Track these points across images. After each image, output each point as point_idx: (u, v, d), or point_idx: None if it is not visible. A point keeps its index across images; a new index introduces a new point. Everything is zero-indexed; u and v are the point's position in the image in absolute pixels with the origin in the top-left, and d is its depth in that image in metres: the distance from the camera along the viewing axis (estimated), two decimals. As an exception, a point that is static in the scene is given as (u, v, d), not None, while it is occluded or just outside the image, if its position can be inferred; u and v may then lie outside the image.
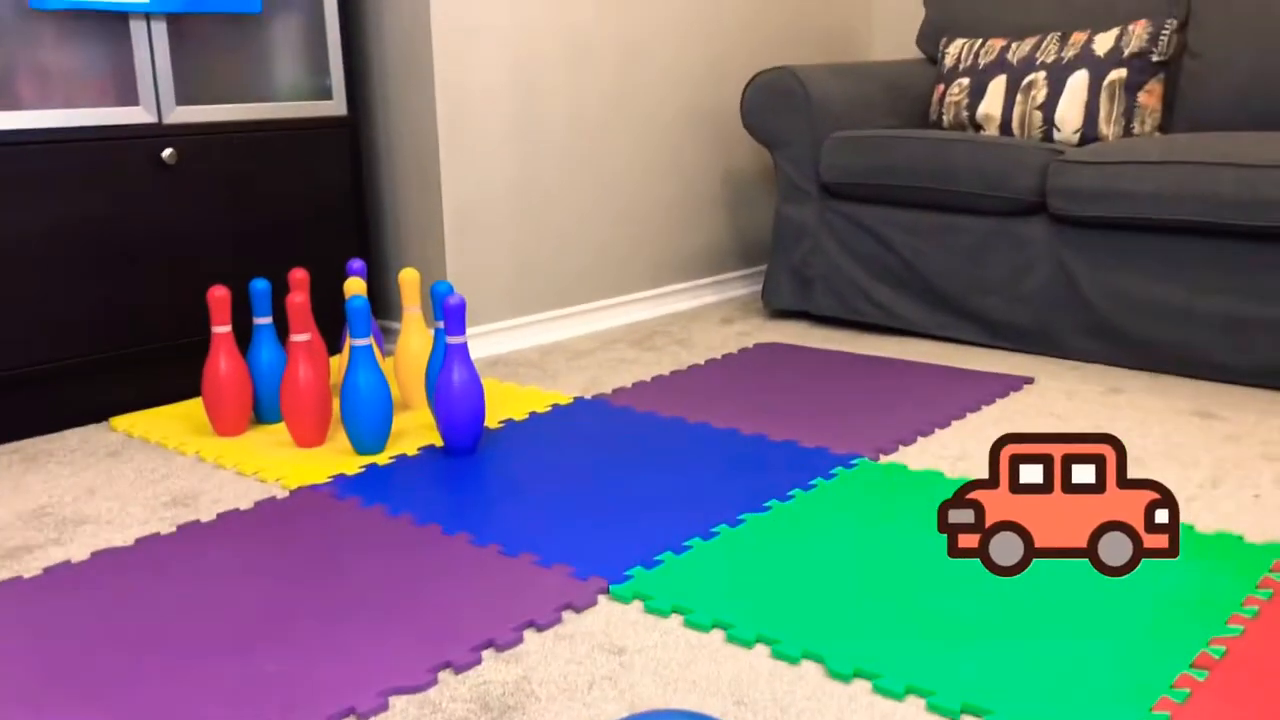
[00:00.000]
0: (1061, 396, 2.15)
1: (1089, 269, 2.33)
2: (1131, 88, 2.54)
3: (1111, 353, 2.33)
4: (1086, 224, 2.32)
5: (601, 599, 1.36)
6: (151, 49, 2.08)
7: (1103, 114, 2.54)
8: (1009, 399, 2.14)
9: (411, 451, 1.89)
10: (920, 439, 1.92)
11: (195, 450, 1.93)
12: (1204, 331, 2.19)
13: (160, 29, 2.09)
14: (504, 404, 2.16)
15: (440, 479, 1.75)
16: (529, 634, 1.27)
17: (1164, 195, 2.17)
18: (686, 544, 1.49)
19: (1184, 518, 1.55)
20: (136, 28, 2.06)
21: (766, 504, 1.62)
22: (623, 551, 1.47)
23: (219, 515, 1.63)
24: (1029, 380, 2.26)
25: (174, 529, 1.59)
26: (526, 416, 2.08)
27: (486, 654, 1.23)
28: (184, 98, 2.14)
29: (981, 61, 2.75)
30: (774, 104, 2.77)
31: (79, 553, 1.51)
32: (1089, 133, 2.54)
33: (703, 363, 2.46)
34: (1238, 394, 2.14)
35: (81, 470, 1.85)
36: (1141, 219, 2.22)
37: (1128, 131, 2.55)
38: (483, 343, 2.59)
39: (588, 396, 2.21)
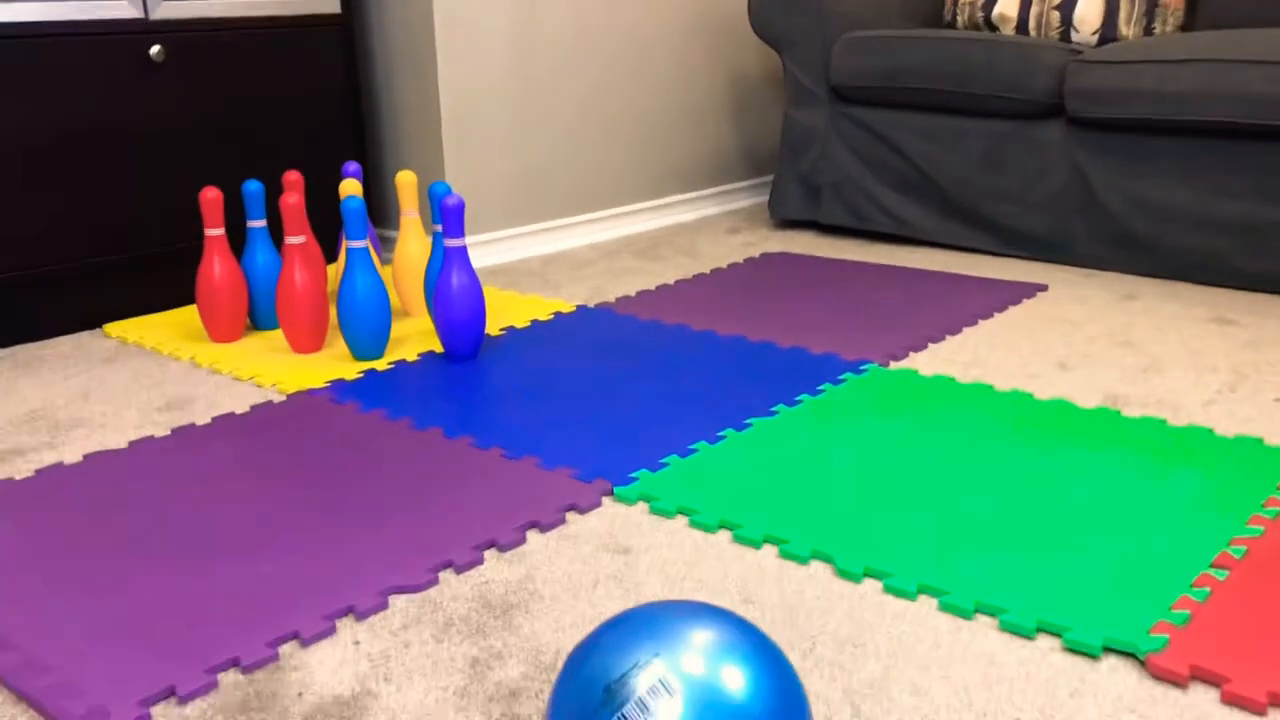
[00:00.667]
0: (1075, 303, 2.10)
1: (1106, 173, 2.26)
2: (1154, -15, 2.45)
3: (1127, 260, 2.28)
4: (1105, 126, 2.25)
5: (605, 500, 1.32)
6: (136, -60, 2.00)
7: (1123, 13, 2.45)
8: (1021, 306, 2.09)
9: (411, 357, 1.85)
10: (931, 345, 1.88)
11: (190, 356, 1.89)
12: (1222, 237, 2.13)
13: (144, -81, 2.00)
14: (505, 312, 2.11)
15: (441, 384, 1.71)
16: (532, 534, 1.24)
17: (1189, 95, 2.10)
18: (692, 447, 1.45)
19: (1203, 421, 1.52)
20: (119, -83, 1.97)
21: (774, 409, 1.59)
22: (627, 455, 1.43)
23: (214, 419, 1.60)
24: (1042, 287, 2.21)
25: (168, 432, 1.55)
26: (529, 324, 2.03)
27: (489, 554, 1.20)
28: (171, -8, 2.06)
29: (998, -41, 2.65)
30: (783, 3, 2.68)
31: (71, 455, 1.48)
32: (1109, 33, 2.46)
33: (708, 272, 2.40)
34: (1257, 300, 2.09)
35: (75, 375, 1.81)
36: (1163, 120, 2.15)
37: (1148, 32, 2.46)
38: (482, 252, 2.53)
39: (591, 305, 2.16)
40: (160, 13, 2.05)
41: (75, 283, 2.02)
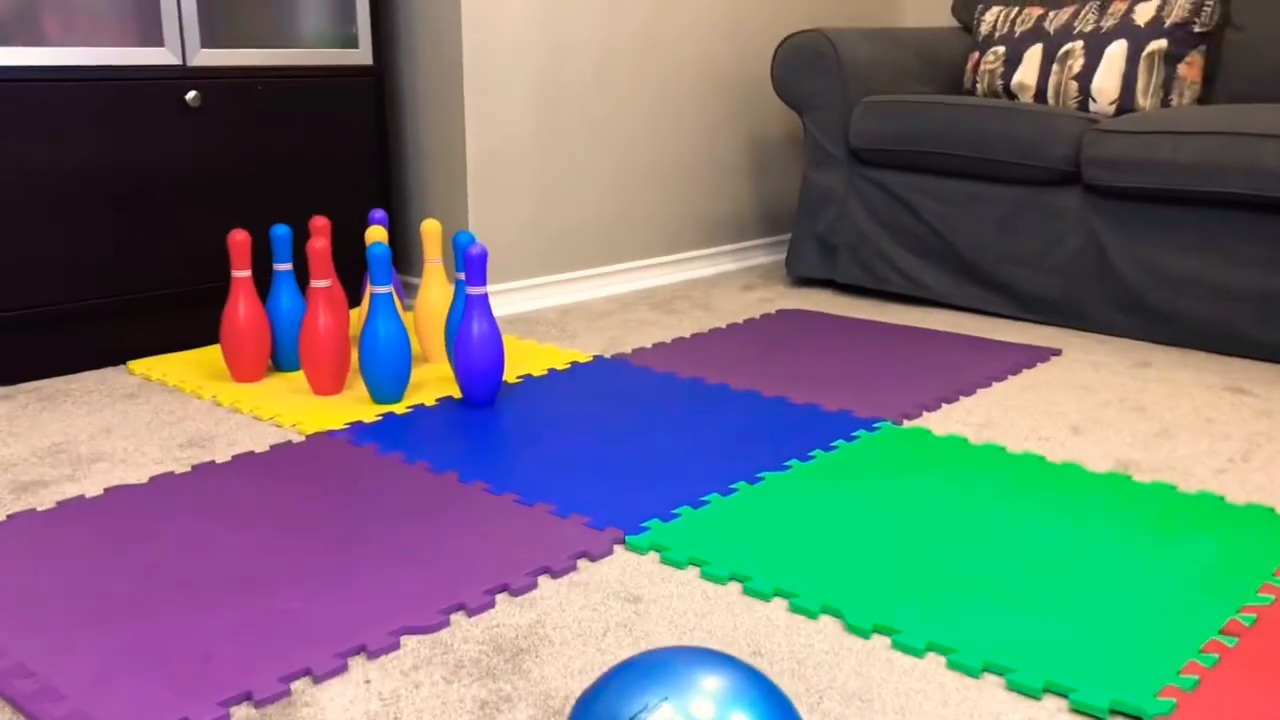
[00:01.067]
0: (1089, 369, 2.11)
1: (1121, 241, 2.29)
2: (1171, 59, 2.48)
3: (1141, 327, 2.29)
4: (1121, 195, 2.27)
5: (617, 549, 1.34)
6: (177, -10, 2.06)
7: (1140, 85, 2.48)
8: (1035, 370, 2.11)
9: (429, 402, 1.88)
10: (945, 405, 1.89)
11: (212, 394, 1.91)
12: (1238, 307, 2.15)
13: (186, -31, 2.06)
14: (523, 360, 2.14)
15: (457, 429, 1.73)
16: (543, 580, 1.25)
17: (1202, 166, 2.13)
18: (704, 499, 1.47)
19: (1215, 489, 1.52)
20: (163, -33, 2.04)
21: (787, 463, 1.60)
22: (640, 505, 1.45)
23: (234, 457, 1.62)
24: (1056, 352, 2.22)
25: (189, 469, 1.57)
26: (545, 373, 2.06)
27: (500, 598, 1.21)
28: (209, 40, 2.11)
29: (1018, 30, 2.70)
30: (805, 66, 2.73)
31: (93, 488, 1.50)
32: (1126, 103, 2.49)
33: (724, 327, 2.43)
34: (1272, 371, 2.10)
35: (98, 410, 1.84)
36: (1178, 190, 2.17)
37: (1165, 103, 2.50)
38: (501, 300, 2.56)
39: (607, 355, 2.18)
40: (198, 60, 2.10)
41: (102, 319, 2.05)
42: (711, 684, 0.73)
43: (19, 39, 1.91)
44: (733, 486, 1.51)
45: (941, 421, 1.80)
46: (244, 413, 1.84)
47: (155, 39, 2.05)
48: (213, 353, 2.17)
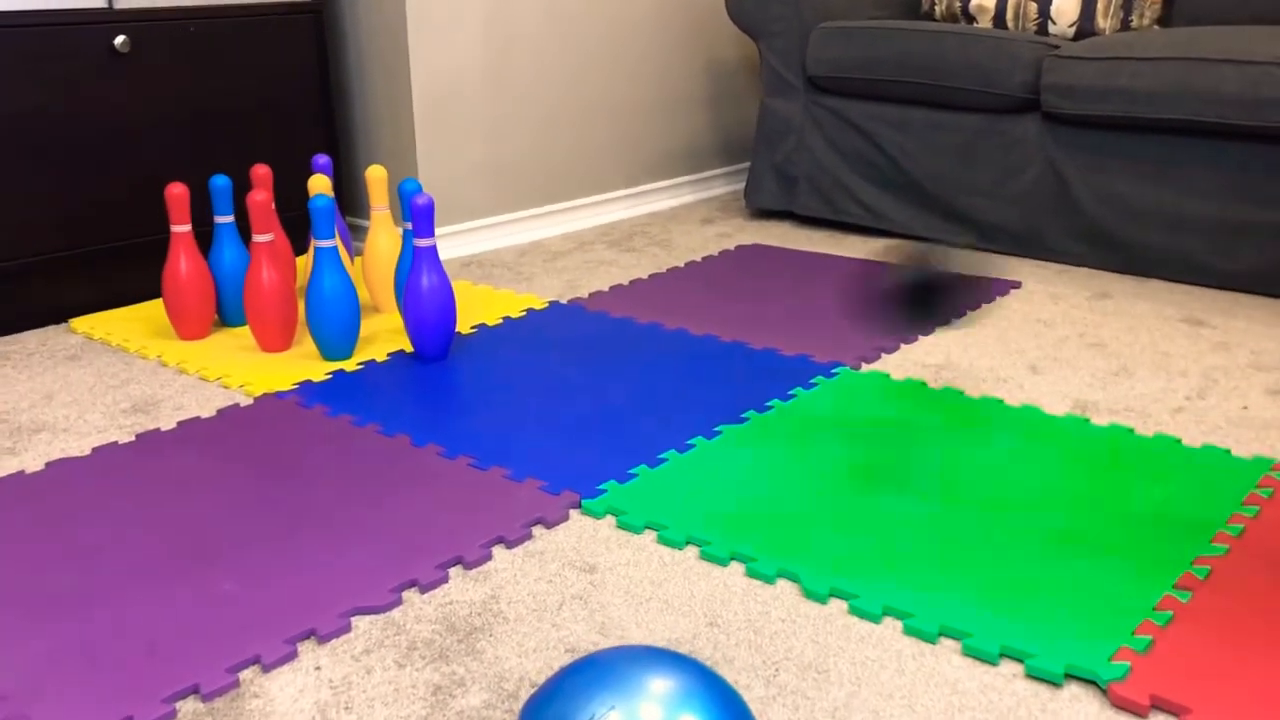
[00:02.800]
0: (1048, 301, 2.10)
1: (1080, 170, 2.26)
2: (1131, -22, 2.43)
3: (1100, 256, 2.28)
4: (1079, 123, 2.24)
5: (573, 514, 1.32)
6: (98, -72, 1.96)
7: (1100, 6, 2.44)
8: (995, 303, 2.09)
9: (380, 357, 1.84)
10: (904, 345, 1.88)
11: (157, 354, 1.86)
12: (1195, 236, 2.14)
13: (107, -94, 1.96)
14: (477, 307, 2.10)
15: (409, 387, 1.70)
16: (498, 550, 1.24)
17: (1163, 93, 2.10)
18: (661, 456, 1.45)
19: (1171, 430, 1.52)
20: (81, -96, 1.93)
21: (744, 415, 1.58)
22: (596, 464, 1.43)
23: (179, 424, 1.58)
24: (1015, 284, 2.21)
25: (133, 437, 1.53)
26: (500, 321, 2.02)
27: (454, 571, 1.19)
28: (135, -19, 2.02)
29: (976, -51, 2.63)
30: (759, -7, 2.66)
31: (34, 463, 1.46)
32: (1085, 26, 2.45)
33: (682, 265, 2.39)
34: (1227, 300, 2.10)
35: (39, 374, 1.79)
36: (1137, 117, 2.14)
37: (1125, 25, 2.45)
38: (456, 242, 2.51)
39: (563, 300, 2.15)
40: (126, 2, 2.01)
41: (41, 276, 1.99)
42: (659, 687, 0.72)
43: (-69, -14, 1.81)
44: (690, 442, 1.49)
45: (900, 364, 1.79)
46: (190, 373, 1.79)
47: (78, -19, 1.95)
48: (157, 308, 2.11)
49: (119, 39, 2.00)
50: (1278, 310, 2.03)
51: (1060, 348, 1.85)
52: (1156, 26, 2.49)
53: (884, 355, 1.83)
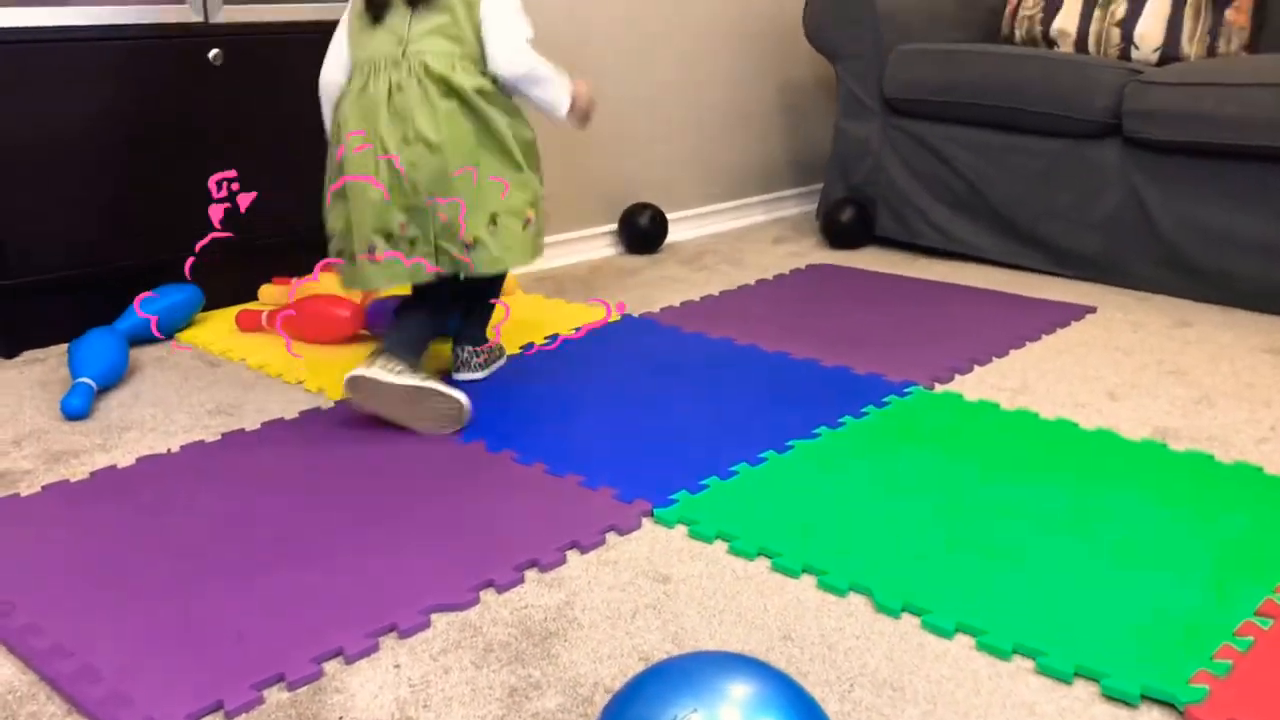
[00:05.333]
0: (1127, 328, 2.07)
1: (1162, 196, 2.23)
2: (1219, 3, 2.40)
3: (1182, 284, 2.25)
4: (1163, 148, 2.21)
5: (646, 522, 1.33)
6: (199, -56, 2.03)
7: (1186, 31, 2.41)
8: (1070, 329, 2.07)
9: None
10: (977, 368, 1.86)
11: (241, 357, 1.92)
12: (1281, 265, 2.10)
13: (208, -76, 2.03)
14: (552, 320, 2.13)
15: (486, 394, 1.73)
16: (572, 555, 1.25)
17: (1250, 120, 2.06)
18: (733, 469, 1.46)
19: (1254, 459, 1.49)
20: (184, -78, 2.00)
21: (816, 430, 1.59)
22: (668, 474, 1.44)
23: (263, 424, 1.62)
24: (1092, 310, 2.18)
25: (219, 437, 1.58)
26: (574, 332, 2.04)
27: (530, 574, 1.21)
28: (231, -4, 2.08)
29: (1058, -27, 2.62)
30: (838, 13, 2.67)
31: (124, 458, 1.51)
32: (1170, 51, 2.42)
33: (753, 283, 2.40)
34: (1313, 331, 2.06)
35: (128, 375, 1.84)
36: (1223, 144, 2.11)
37: (1212, 51, 2.42)
38: (531, 256, 2.54)
39: (636, 314, 2.17)
40: (221, 16, 2.07)
41: (132, 279, 2.05)
42: (740, 692, 0.73)
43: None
44: (761, 456, 1.50)
45: (974, 385, 1.78)
46: (272, 376, 1.84)
47: (177, -5, 2.02)
48: (248, 307, 2.16)
49: (212, 52, 2.06)
50: (1366, 342, 1.99)
51: (1139, 375, 1.83)
52: (1244, 53, 2.45)
53: (958, 376, 1.82)
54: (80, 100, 1.93)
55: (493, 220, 1.61)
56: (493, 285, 1.81)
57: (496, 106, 1.63)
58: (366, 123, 1.58)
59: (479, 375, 1.80)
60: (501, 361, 1.86)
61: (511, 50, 1.65)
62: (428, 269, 1.61)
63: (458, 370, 1.79)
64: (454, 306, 1.77)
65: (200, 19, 2.05)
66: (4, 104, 1.85)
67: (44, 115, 1.90)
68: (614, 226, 2.72)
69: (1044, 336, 2.03)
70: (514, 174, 1.65)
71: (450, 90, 1.58)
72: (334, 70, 1.69)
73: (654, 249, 2.73)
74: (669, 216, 2.82)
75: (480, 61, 1.63)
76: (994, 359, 1.91)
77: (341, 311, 1.96)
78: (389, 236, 1.60)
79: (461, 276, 1.63)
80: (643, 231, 2.69)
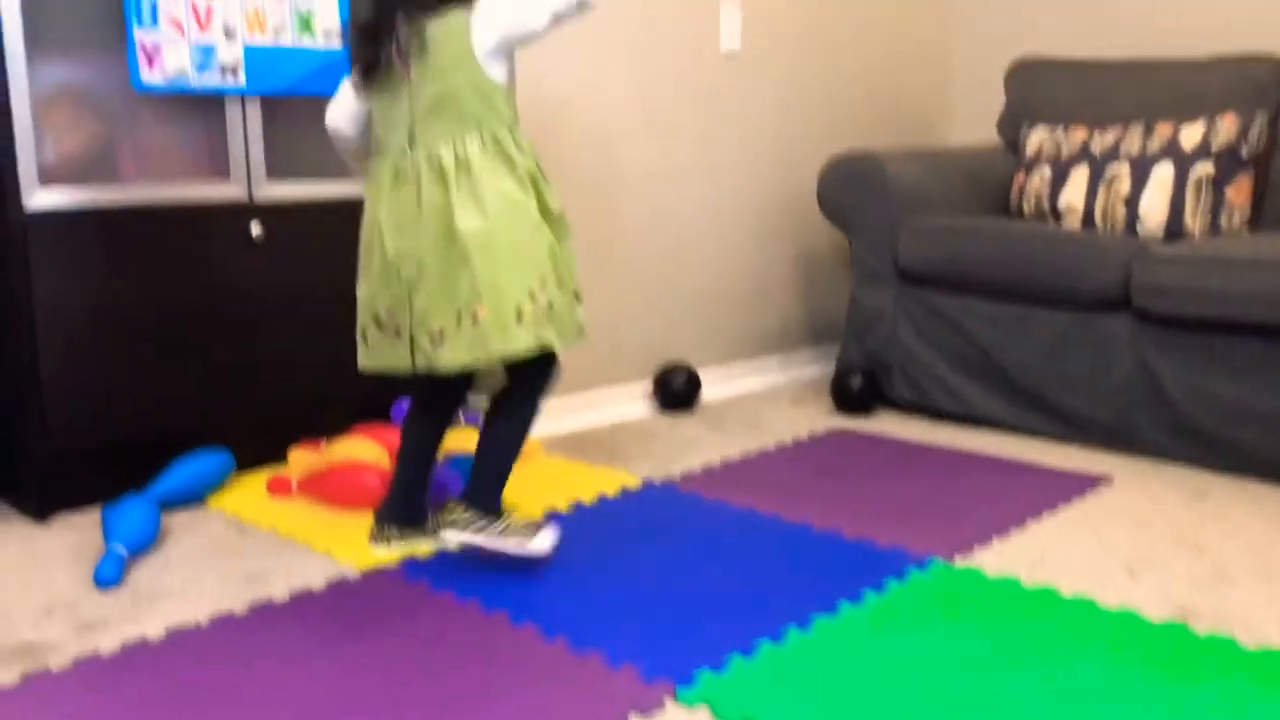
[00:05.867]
0: (1143, 499, 2.09)
1: (1173, 368, 2.28)
2: (1219, 183, 2.49)
3: (1196, 454, 2.27)
4: (1172, 322, 2.27)
5: (668, 702, 1.34)
6: (245, 127, 2.14)
7: (1188, 208, 2.49)
8: (1087, 499, 2.09)
9: (481, 533, 1.90)
10: (997, 540, 1.88)
11: (270, 524, 1.95)
12: (1294, 437, 2.13)
13: (255, 109, 2.15)
14: (572, 484, 2.16)
15: (507, 564, 1.75)
16: (595, 740, 1.26)
17: (1255, 296, 2.12)
18: (755, 645, 1.47)
19: (1275, 642, 1.49)
20: (232, 108, 2.12)
21: (838, 605, 1.60)
22: (691, 650, 1.45)
23: (291, 595, 1.64)
24: (1108, 479, 2.20)
25: (247, 608, 1.60)
26: (595, 499, 2.07)
27: (552, 760, 1.21)
28: (274, 173, 2.19)
29: (1063, 151, 2.73)
30: (851, 187, 2.77)
31: (154, 629, 1.53)
32: (1174, 227, 2.50)
33: (773, 448, 2.44)
34: (1330, 504, 2.07)
35: (158, 541, 1.87)
36: (1230, 319, 2.17)
37: (1214, 227, 2.50)
38: (554, 418, 2.59)
39: (656, 480, 2.20)
40: (263, 192, 2.18)
41: (166, 445, 2.10)
42: None
43: (95, 177, 1.99)
44: (783, 630, 1.51)
45: (994, 559, 1.79)
46: (300, 543, 1.87)
47: (223, 173, 2.13)
48: (276, 473, 2.21)
49: (255, 229, 2.16)
50: (1383, 516, 2.00)
51: (1157, 548, 1.84)
52: (1246, 230, 2.53)
53: (978, 548, 1.84)
54: (124, 274, 2.02)
55: (462, 314, 1.61)
56: (509, 426, 1.75)
57: (507, 174, 1.65)
58: (373, 205, 1.70)
59: (469, 540, 1.69)
60: (508, 542, 1.69)
61: (525, 14, 1.65)
62: (410, 363, 1.67)
63: (445, 527, 1.71)
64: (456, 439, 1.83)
65: (244, 196, 2.15)
66: (51, 278, 1.94)
67: (89, 289, 1.99)
68: (643, 383, 2.77)
69: (1061, 507, 2.05)
70: (509, 256, 1.62)
71: (444, 174, 1.62)
72: (342, 122, 1.81)
73: (688, 408, 2.78)
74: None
75: (487, 123, 1.64)
76: (1012, 530, 1.92)
77: (369, 478, 2.00)
78: (378, 323, 1.69)
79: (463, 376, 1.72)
80: (676, 394, 2.75)
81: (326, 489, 2.03)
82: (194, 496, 2.03)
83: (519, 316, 1.62)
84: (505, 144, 1.65)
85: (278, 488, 2.08)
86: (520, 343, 1.63)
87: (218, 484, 2.09)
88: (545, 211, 1.70)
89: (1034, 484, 2.18)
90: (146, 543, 1.80)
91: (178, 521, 1.97)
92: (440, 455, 1.87)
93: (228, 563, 1.78)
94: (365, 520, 1.94)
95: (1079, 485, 2.17)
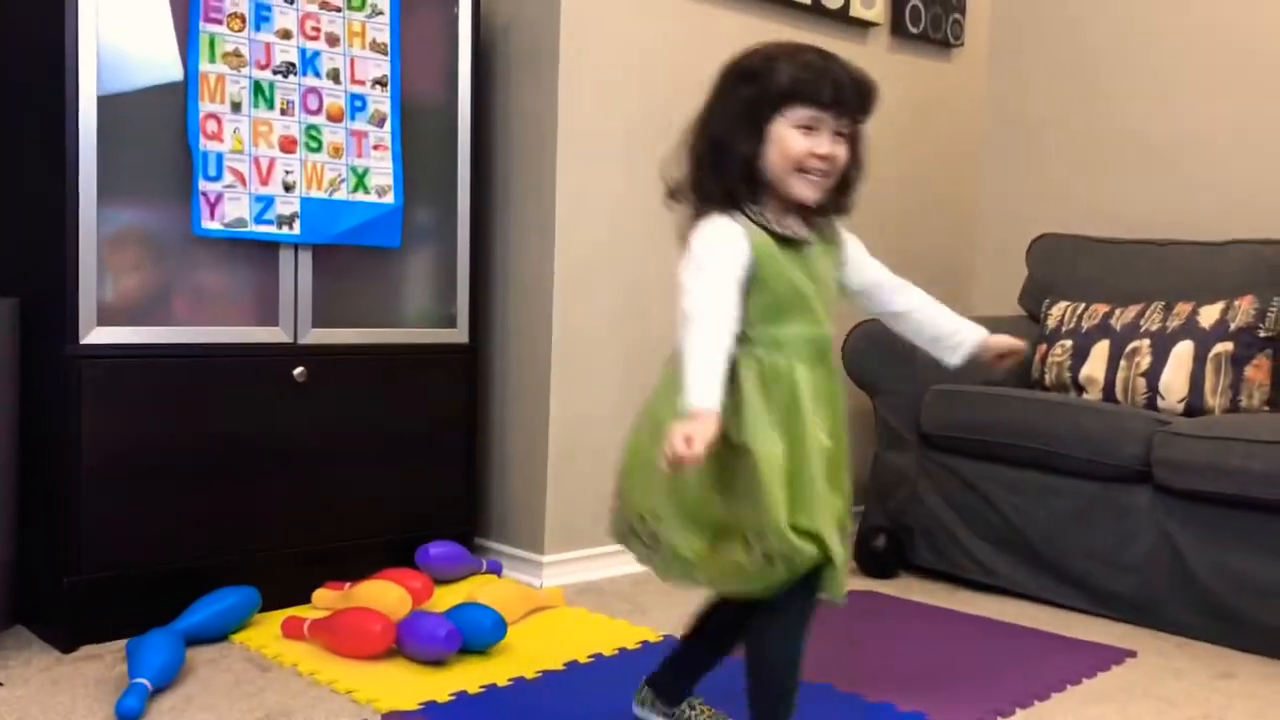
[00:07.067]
0: (1169, 676, 2.07)
1: (1196, 543, 2.28)
2: (1238, 361, 2.54)
3: (1221, 631, 2.25)
4: (1193, 497, 2.29)
5: None
6: (296, 275, 2.24)
7: (1208, 385, 2.54)
8: (1110, 673, 2.07)
9: (501, 681, 1.89)
10: (1020, 711, 1.86)
11: (293, 663, 1.95)
12: (1321, 619, 2.11)
13: (306, 257, 2.25)
14: (594, 637, 2.16)
15: (524, 714, 1.74)
16: None
17: (1271, 475, 2.15)
18: (776, 812, 1.45)
19: (1306, 830, 1.47)
20: (285, 255, 2.23)
21: (859, 774, 1.58)
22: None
23: (310, 737, 1.64)
24: (1131, 654, 2.18)
25: (266, 748, 1.60)
26: (615, 653, 2.07)
27: None
28: (320, 320, 2.28)
29: (1084, 325, 2.79)
30: (876, 351, 2.83)
31: (173, 766, 1.53)
32: (1194, 403, 2.54)
33: (795, 607, 2.43)
34: (1359, 689, 2.04)
35: (181, 676, 1.88)
36: (1251, 498, 2.19)
37: (1234, 404, 2.54)
38: (578, 568, 2.61)
39: (677, 636, 2.19)
40: (308, 338, 2.26)
41: (194, 580, 2.12)
42: None
43: (150, 318, 2.08)
44: (804, 799, 1.49)
45: (1017, 732, 1.77)
46: (322, 684, 1.87)
47: (271, 319, 2.22)
48: (298, 612, 2.22)
49: (297, 370, 2.23)
50: None
51: (1183, 728, 1.82)
52: (1266, 408, 2.57)
53: (1000, 719, 1.82)
54: (168, 411, 2.09)
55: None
56: (783, 649, 1.61)
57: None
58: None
59: None
60: None
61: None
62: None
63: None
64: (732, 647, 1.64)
65: (289, 339, 2.24)
66: (98, 412, 2.01)
67: (133, 424, 2.05)
68: (657, 543, 2.79)
69: (1084, 680, 2.03)
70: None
71: None
72: (725, 317, 1.45)
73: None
74: (711, 535, 2.90)
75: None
76: (1035, 702, 1.91)
77: (373, 626, 1.99)
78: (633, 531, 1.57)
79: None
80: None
81: (333, 635, 2.02)
82: (219, 632, 2.05)
83: None
84: None
85: (291, 630, 2.09)
86: None
87: (243, 621, 2.11)
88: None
89: (1058, 655, 2.16)
90: (169, 676, 1.81)
91: (203, 656, 1.98)
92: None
93: (249, 701, 1.79)
94: (379, 664, 1.95)
95: (1103, 658, 2.15)
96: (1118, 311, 2.76)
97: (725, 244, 1.47)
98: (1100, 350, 2.72)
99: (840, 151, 1.50)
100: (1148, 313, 2.70)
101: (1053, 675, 2.04)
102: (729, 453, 1.44)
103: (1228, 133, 3.08)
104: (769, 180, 1.49)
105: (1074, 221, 3.29)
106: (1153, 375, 2.60)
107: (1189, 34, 3.16)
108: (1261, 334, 2.56)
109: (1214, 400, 2.54)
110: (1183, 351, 2.58)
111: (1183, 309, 2.65)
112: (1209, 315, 2.60)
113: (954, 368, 1.71)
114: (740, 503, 1.46)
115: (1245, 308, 2.58)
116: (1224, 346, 2.55)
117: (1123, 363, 2.66)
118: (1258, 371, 2.56)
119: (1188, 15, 3.17)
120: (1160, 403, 2.58)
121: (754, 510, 1.44)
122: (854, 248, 1.65)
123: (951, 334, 1.71)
